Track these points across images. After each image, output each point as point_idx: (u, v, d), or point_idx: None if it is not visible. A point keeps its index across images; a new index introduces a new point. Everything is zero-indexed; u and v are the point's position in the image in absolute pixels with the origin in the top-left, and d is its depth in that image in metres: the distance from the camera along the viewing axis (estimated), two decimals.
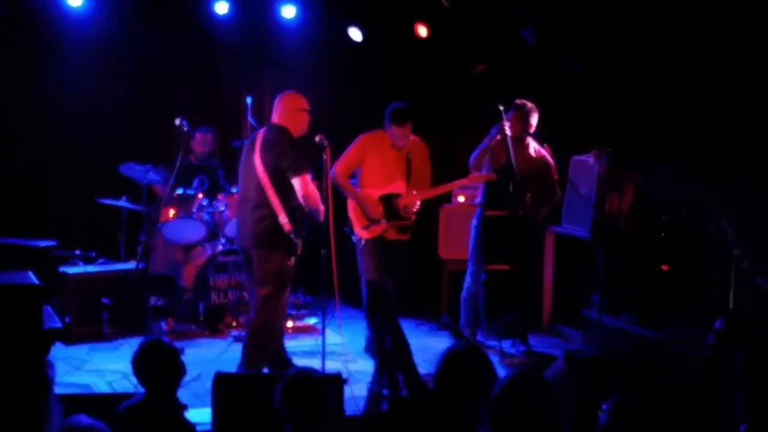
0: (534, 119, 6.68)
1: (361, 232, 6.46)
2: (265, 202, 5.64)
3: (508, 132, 6.50)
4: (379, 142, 6.41)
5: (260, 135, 5.77)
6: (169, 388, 3.88)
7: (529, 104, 6.69)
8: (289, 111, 5.79)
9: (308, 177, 5.65)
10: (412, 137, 6.44)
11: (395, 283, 6.46)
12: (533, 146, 6.81)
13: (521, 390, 3.02)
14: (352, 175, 6.55)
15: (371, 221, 6.44)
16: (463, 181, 6.58)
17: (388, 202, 6.44)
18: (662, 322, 6.24)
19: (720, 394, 4.78)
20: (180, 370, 3.94)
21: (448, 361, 3.53)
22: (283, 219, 5.61)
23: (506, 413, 2.97)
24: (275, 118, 5.81)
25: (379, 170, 6.43)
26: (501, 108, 6.53)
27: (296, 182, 5.59)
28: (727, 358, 4.88)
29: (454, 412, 3.41)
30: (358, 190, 6.50)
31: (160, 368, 3.86)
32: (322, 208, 5.68)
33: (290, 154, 5.61)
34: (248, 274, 5.96)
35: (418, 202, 6.50)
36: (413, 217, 6.49)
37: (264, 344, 5.83)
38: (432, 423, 3.47)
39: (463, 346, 3.59)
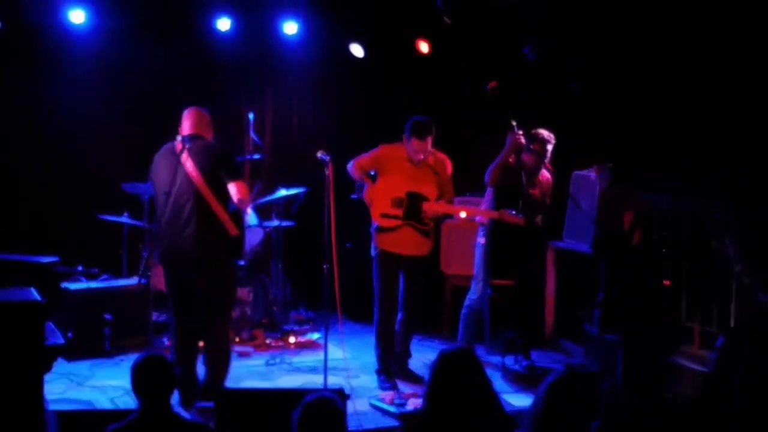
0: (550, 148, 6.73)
1: (377, 218, 6.32)
2: (207, 211, 5.57)
3: (522, 141, 6.53)
4: (396, 154, 6.32)
5: (181, 146, 5.70)
6: (166, 399, 3.92)
7: (546, 133, 6.71)
8: (209, 124, 5.95)
9: (243, 181, 5.74)
10: (433, 151, 6.35)
11: (411, 301, 6.42)
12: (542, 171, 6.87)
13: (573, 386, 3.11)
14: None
15: (390, 213, 6.30)
16: (494, 214, 6.50)
17: (413, 200, 6.30)
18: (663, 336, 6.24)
19: (723, 410, 4.78)
20: (174, 382, 3.98)
21: (441, 363, 3.55)
22: (229, 224, 5.61)
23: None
24: (201, 131, 5.85)
25: (394, 182, 6.31)
26: (514, 123, 6.54)
27: (234, 186, 5.61)
28: (730, 375, 4.88)
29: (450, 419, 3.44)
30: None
31: (159, 381, 3.88)
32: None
33: (233, 160, 5.85)
34: (185, 289, 5.72)
35: (440, 212, 6.48)
36: (431, 223, 6.38)
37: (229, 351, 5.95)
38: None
39: (456, 349, 3.62)
